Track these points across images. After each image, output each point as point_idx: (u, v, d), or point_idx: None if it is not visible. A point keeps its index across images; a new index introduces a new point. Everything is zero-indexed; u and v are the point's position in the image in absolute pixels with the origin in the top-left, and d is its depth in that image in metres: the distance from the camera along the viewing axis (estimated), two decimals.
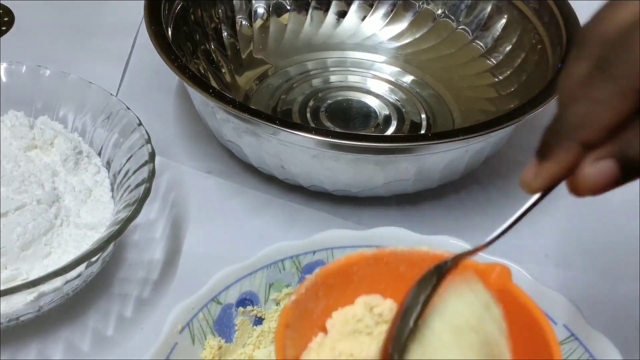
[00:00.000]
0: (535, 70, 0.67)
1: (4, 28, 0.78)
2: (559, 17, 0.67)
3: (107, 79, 0.71)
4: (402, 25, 0.76)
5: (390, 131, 0.68)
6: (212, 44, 0.71)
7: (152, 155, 0.56)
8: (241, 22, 0.74)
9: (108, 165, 0.60)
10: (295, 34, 0.76)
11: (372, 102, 0.71)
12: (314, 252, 0.50)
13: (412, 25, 0.75)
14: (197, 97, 0.61)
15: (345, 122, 0.69)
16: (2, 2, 0.80)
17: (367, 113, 0.70)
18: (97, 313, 0.55)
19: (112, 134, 0.60)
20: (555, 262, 0.59)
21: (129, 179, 0.56)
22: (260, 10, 0.75)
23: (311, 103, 0.70)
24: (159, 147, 0.61)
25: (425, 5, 0.75)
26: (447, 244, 0.50)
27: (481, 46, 0.73)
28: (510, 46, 0.71)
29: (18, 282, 0.51)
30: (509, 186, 0.66)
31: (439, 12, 0.75)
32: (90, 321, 0.55)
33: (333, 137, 0.55)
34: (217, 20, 0.72)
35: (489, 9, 0.73)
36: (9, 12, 0.80)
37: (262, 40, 0.75)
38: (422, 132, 0.68)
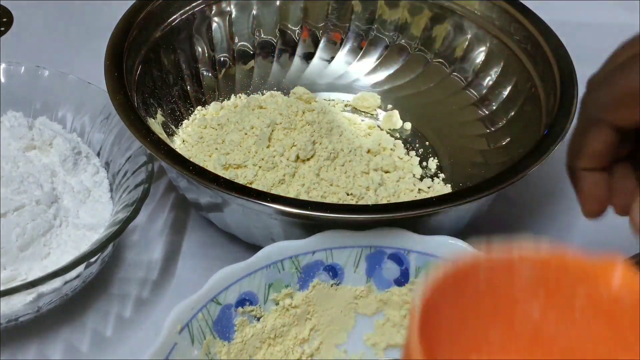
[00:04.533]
0: (529, 119, 0.62)
1: (2, 28, 0.78)
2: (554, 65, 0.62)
3: None
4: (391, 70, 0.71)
5: None
6: (179, 101, 0.65)
7: (151, 156, 0.56)
8: (204, 73, 0.68)
9: (107, 165, 0.60)
10: (263, 78, 0.70)
11: None
12: (314, 252, 0.50)
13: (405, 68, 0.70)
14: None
15: None
16: (1, 2, 0.80)
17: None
18: (96, 313, 0.55)
19: (110, 134, 0.60)
20: None
21: (128, 179, 0.56)
22: (223, 60, 0.69)
23: None
24: None
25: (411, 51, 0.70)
26: (446, 244, 0.50)
27: (474, 94, 0.67)
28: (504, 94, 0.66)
29: (17, 282, 0.51)
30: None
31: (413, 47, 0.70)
32: (89, 321, 0.55)
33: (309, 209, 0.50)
34: (180, 78, 0.66)
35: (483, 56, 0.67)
36: (7, 13, 0.80)
37: (228, 88, 0.69)
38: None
